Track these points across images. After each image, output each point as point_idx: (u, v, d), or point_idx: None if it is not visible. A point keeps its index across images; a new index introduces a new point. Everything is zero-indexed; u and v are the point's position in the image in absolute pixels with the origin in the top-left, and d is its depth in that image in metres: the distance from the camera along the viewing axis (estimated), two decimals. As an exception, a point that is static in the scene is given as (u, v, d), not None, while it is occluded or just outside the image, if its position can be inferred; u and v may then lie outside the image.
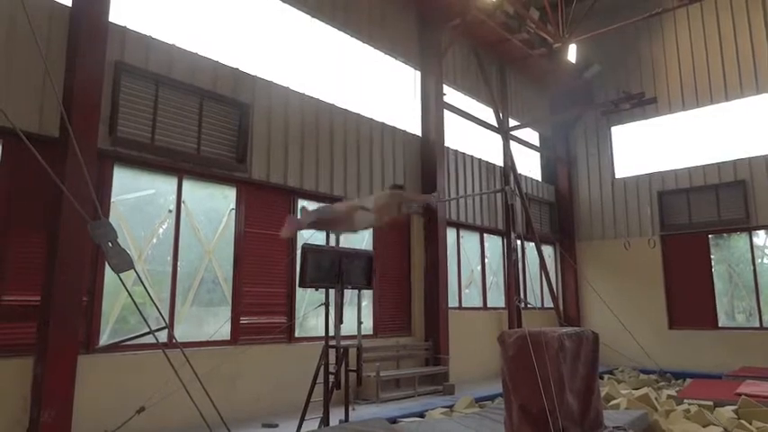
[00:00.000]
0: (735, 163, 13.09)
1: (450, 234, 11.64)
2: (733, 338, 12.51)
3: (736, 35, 13.41)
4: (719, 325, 12.94)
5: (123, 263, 2.24)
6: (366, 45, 10.43)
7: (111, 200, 6.53)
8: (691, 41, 14.12)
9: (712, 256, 13.37)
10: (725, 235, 13.31)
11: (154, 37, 7.07)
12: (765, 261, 12.80)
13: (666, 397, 8.61)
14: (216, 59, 7.77)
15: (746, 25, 13.26)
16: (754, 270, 12.70)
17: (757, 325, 12.48)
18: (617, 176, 15.08)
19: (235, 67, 7.99)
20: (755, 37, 13.10)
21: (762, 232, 12.80)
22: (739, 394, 7.81)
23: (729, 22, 13.54)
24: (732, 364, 11.42)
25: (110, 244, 2.20)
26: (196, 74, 7.44)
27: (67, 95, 5.97)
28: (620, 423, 5.49)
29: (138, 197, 6.91)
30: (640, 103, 13.23)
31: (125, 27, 6.77)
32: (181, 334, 6.90)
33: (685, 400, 7.95)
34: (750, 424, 6.54)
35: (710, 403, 7.58)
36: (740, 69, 13.25)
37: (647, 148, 14.70)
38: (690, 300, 13.35)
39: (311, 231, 7.22)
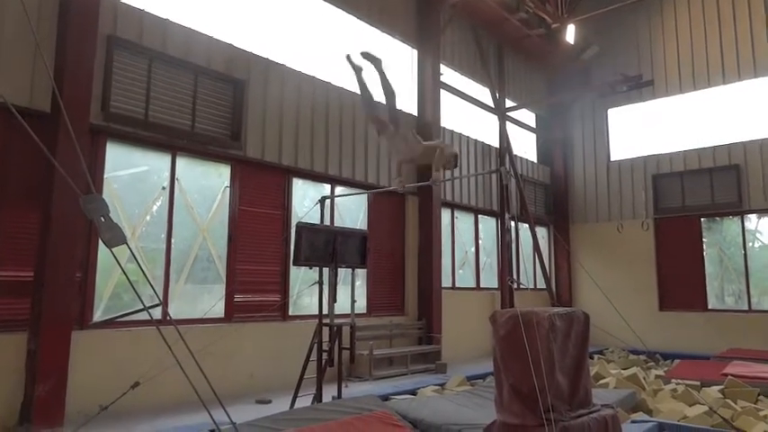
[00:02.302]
0: (729, 147, 13.12)
1: (445, 214, 11.66)
2: (722, 320, 12.68)
3: (735, 19, 13.32)
4: (709, 307, 13.10)
5: (116, 237, 2.23)
6: (363, 23, 10.29)
7: (104, 176, 6.47)
8: (689, 24, 14.02)
9: (704, 240, 13.48)
10: (717, 219, 13.40)
11: (147, 11, 6.95)
12: (756, 245, 12.91)
13: (654, 377, 8.75)
14: (211, 35, 7.65)
15: (746, 8, 13.17)
16: (745, 254, 12.82)
17: (746, 308, 12.64)
18: (612, 159, 15.10)
19: (229, 43, 7.88)
20: (754, 21, 13.02)
21: (754, 216, 12.90)
22: (726, 374, 7.95)
23: (729, 6, 13.44)
24: (720, 345, 11.60)
25: (102, 218, 2.19)
26: (191, 49, 7.34)
27: (59, 70, 5.88)
28: (609, 401, 5.58)
29: (131, 174, 6.87)
30: (637, 86, 13.19)
31: (117, 0, 6.65)
32: (175, 311, 6.93)
33: (673, 380, 8.08)
34: (735, 403, 6.66)
35: (698, 383, 7.71)
36: (738, 53, 13.19)
37: (642, 130, 14.70)
38: (681, 282, 13.49)
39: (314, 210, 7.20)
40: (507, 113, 13.90)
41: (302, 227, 6.08)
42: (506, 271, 12.88)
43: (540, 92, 15.81)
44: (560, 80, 15.71)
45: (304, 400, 6.03)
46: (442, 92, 11.60)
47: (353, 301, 6.71)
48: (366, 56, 5.53)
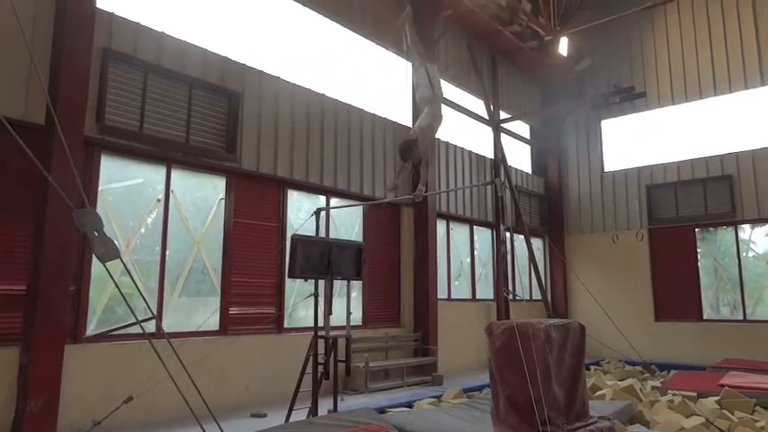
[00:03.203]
0: (722, 158, 13.22)
1: (440, 226, 11.67)
2: (717, 331, 12.69)
3: (725, 30, 13.49)
4: (704, 317, 13.12)
5: (109, 252, 2.22)
6: (357, 35, 10.36)
7: (99, 189, 6.46)
8: (681, 36, 14.19)
9: (699, 250, 13.53)
10: (711, 229, 13.46)
11: (142, 24, 6.98)
12: (750, 255, 12.97)
13: (651, 388, 8.74)
14: (205, 48, 7.68)
15: (736, 20, 13.34)
16: (739, 264, 12.87)
17: (741, 318, 12.67)
18: (606, 170, 15.18)
19: (224, 55, 7.92)
20: (745, 32, 13.18)
21: (747, 226, 12.96)
22: (722, 385, 7.94)
23: (719, 17, 13.62)
24: (716, 355, 11.59)
25: (95, 233, 2.18)
26: (185, 62, 7.36)
27: (53, 82, 5.88)
28: (606, 413, 5.57)
29: (126, 186, 6.85)
30: (630, 97, 13.30)
31: (112, 13, 6.67)
32: (169, 324, 6.88)
33: (669, 391, 8.08)
34: (732, 414, 6.65)
35: (694, 394, 7.70)
36: (729, 64, 13.34)
37: (636, 141, 14.81)
38: (676, 292, 13.51)
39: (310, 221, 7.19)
40: (501, 125, 13.98)
41: (297, 239, 6.07)
42: (502, 282, 12.88)
43: (534, 103, 15.92)
44: (554, 92, 15.84)
45: (299, 414, 5.98)
46: (437, 104, 11.64)
47: (349, 314, 6.68)
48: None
